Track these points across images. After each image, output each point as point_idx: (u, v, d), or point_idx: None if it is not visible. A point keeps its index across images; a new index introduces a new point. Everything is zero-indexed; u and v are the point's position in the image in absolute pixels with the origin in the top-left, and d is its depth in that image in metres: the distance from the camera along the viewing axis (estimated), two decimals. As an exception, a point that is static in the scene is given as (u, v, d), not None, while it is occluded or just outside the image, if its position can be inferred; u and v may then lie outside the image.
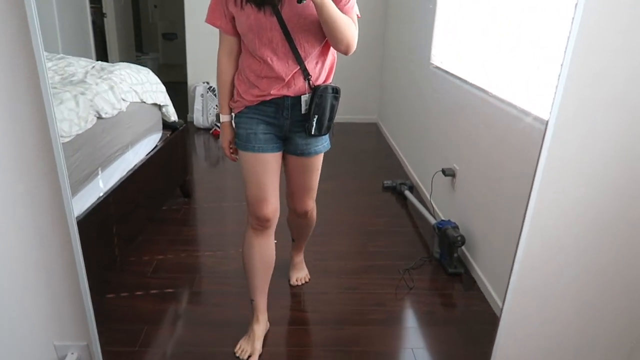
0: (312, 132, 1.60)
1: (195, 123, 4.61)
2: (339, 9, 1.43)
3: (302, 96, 1.57)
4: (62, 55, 2.57)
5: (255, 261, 1.74)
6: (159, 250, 2.45)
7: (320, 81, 1.60)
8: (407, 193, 3.07)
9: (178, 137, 2.83)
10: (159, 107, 2.63)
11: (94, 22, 4.93)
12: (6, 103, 1.26)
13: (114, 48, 5.56)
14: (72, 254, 1.39)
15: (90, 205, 1.88)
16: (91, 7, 4.86)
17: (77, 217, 1.78)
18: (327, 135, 1.68)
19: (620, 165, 1.39)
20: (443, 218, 2.67)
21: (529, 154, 1.86)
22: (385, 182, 3.28)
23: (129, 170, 2.23)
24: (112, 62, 5.45)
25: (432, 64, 3.08)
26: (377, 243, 2.62)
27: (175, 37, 7.36)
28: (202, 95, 4.55)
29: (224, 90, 1.67)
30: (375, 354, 1.83)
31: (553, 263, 1.49)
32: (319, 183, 1.83)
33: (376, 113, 4.99)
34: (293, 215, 1.94)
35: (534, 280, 1.51)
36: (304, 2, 1.36)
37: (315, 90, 1.56)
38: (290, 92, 1.56)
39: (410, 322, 2.04)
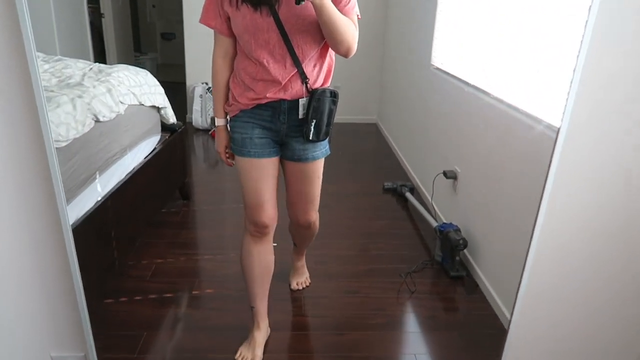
0: (310, 138, 1.55)
1: (194, 124, 4.59)
2: (338, 10, 1.39)
3: (299, 100, 1.52)
4: (59, 57, 2.54)
5: (254, 268, 1.71)
6: (158, 253, 2.43)
7: (318, 84, 1.55)
8: (408, 195, 3.04)
9: (177, 139, 2.81)
10: (158, 109, 2.60)
11: (91, 23, 4.90)
12: (-2, 106, 1.22)
13: (112, 48, 5.53)
14: (67, 263, 1.36)
15: (88, 210, 1.85)
16: (89, 7, 4.83)
17: (74, 222, 1.77)
18: (325, 141, 1.63)
19: (631, 171, 1.37)
20: (445, 221, 2.65)
21: (531, 156, 1.85)
22: (385, 183, 3.26)
23: (128, 174, 2.20)
24: (110, 63, 5.46)
25: (433, 65, 3.06)
26: (378, 246, 2.60)
27: (173, 37, 7.34)
28: (201, 96, 4.52)
29: (218, 93, 1.62)
30: (377, 360, 1.81)
31: (563, 267, 1.48)
32: (319, 184, 1.79)
33: (376, 113, 4.96)
34: (295, 226, 1.88)
35: (543, 284, 1.50)
36: (303, 3, 1.31)
37: (312, 94, 1.51)
38: (287, 96, 1.52)
39: (412, 326, 2.02)
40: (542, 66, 1.86)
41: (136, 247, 2.43)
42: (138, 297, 2.10)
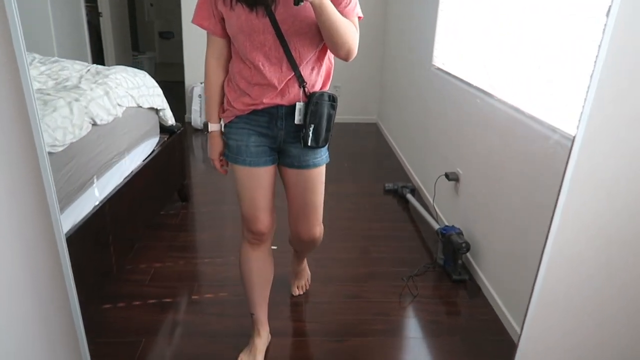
0: (309, 144, 1.47)
1: (192, 124, 4.56)
2: (339, 11, 1.33)
3: (296, 104, 1.45)
4: (56, 58, 2.51)
5: (253, 275, 1.68)
6: (157, 257, 2.40)
7: (316, 88, 1.48)
8: (409, 196, 3.02)
9: (175, 140, 2.78)
10: (156, 111, 2.57)
11: (89, 22, 4.88)
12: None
13: (110, 47, 5.50)
14: (61, 271, 1.32)
15: (86, 215, 1.82)
16: (86, 7, 4.81)
17: (71, 228, 1.74)
18: (325, 147, 1.56)
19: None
20: (446, 223, 2.62)
21: (535, 158, 1.83)
22: (386, 184, 3.24)
23: (126, 177, 2.17)
24: (108, 62, 5.43)
25: (434, 65, 3.03)
26: (379, 249, 2.58)
27: (172, 36, 7.30)
28: (199, 96, 4.49)
29: (212, 98, 1.55)
30: (379, 367, 1.79)
31: (576, 275, 1.47)
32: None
33: (376, 113, 4.94)
34: (297, 242, 1.78)
35: (556, 293, 1.49)
36: (302, 3, 1.23)
37: (310, 98, 1.44)
38: (284, 101, 1.45)
39: (414, 332, 1.99)
40: (543, 65, 1.84)
41: (134, 250, 2.41)
42: (136, 302, 2.07)
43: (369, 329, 1.96)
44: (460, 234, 2.30)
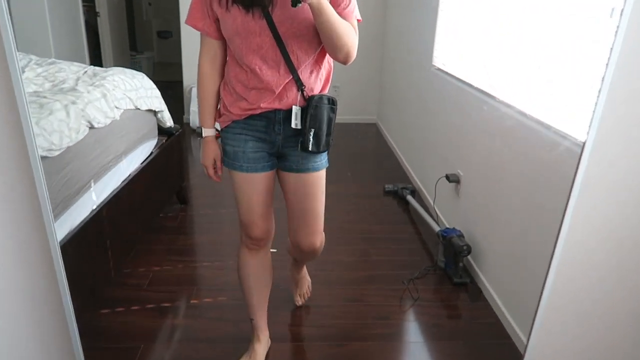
0: (310, 149, 1.42)
1: (191, 125, 4.54)
2: (338, 12, 1.29)
3: (292, 107, 1.40)
4: (52, 59, 2.48)
5: (251, 280, 1.66)
6: (155, 260, 2.38)
7: (315, 92, 1.43)
8: (409, 198, 3.00)
9: (174, 142, 2.75)
10: (154, 113, 2.55)
11: (87, 21, 4.85)
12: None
13: (107, 47, 5.47)
14: (55, 278, 1.30)
15: (83, 220, 1.80)
16: (84, 6, 4.78)
17: (69, 232, 1.72)
18: (325, 152, 1.52)
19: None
20: (447, 225, 2.61)
21: (537, 160, 1.81)
22: (386, 186, 3.22)
23: (123, 181, 2.15)
24: (106, 62, 5.40)
25: (434, 65, 3.01)
26: (379, 251, 2.56)
27: (170, 36, 7.27)
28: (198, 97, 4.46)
29: (206, 101, 1.49)
30: (380, 372, 1.78)
31: (585, 279, 1.46)
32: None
33: (375, 114, 4.92)
34: (296, 250, 1.70)
35: (565, 296, 1.48)
36: (299, 5, 1.20)
37: (309, 101, 1.40)
38: (282, 106, 1.41)
39: (415, 336, 1.97)
40: (543, 66, 1.82)
41: (133, 254, 2.39)
42: (135, 307, 2.05)
43: (369, 333, 1.95)
44: (461, 236, 2.28)
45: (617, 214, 1.38)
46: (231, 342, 1.86)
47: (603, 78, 1.16)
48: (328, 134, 1.45)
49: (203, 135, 1.52)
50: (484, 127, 2.26)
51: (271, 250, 1.70)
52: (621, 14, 1.11)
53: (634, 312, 1.51)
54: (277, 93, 1.38)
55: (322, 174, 1.53)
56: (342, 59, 1.36)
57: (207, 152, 1.52)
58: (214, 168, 1.54)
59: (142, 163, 2.37)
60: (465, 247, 2.20)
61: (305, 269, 2.05)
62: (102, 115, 1.97)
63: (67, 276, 1.65)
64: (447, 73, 2.79)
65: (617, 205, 1.37)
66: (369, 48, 4.58)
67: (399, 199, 3.13)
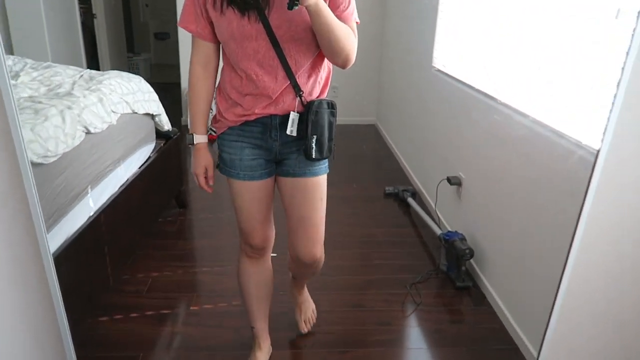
0: (313, 156, 1.37)
1: (189, 127, 4.50)
2: (336, 15, 1.24)
3: (290, 113, 1.34)
4: (48, 63, 2.45)
5: (252, 288, 1.63)
6: (154, 266, 2.35)
7: (313, 97, 1.38)
8: (410, 200, 2.97)
9: (172, 146, 2.72)
10: (152, 116, 2.51)
11: (83, 23, 4.81)
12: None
13: (104, 49, 5.44)
14: (48, 289, 1.26)
15: (80, 227, 1.77)
16: (80, 8, 4.74)
17: (66, 240, 1.69)
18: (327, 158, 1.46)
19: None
20: (449, 228, 2.58)
21: (540, 162, 1.78)
22: (387, 188, 3.19)
23: (121, 186, 2.12)
24: (103, 64, 5.36)
25: (434, 67, 2.98)
26: (380, 255, 2.53)
27: (167, 37, 7.23)
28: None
29: (197, 107, 1.42)
30: (383, 379, 1.75)
31: (600, 280, 1.44)
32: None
33: (374, 115, 4.89)
34: (296, 263, 1.62)
35: (580, 297, 1.46)
36: (296, 7, 1.14)
37: (308, 107, 1.34)
38: (277, 111, 1.35)
39: (418, 342, 1.95)
40: (544, 67, 1.80)
41: (131, 259, 2.36)
42: (134, 314, 2.02)
43: (371, 340, 1.92)
44: (463, 239, 2.26)
45: (630, 216, 1.37)
46: (232, 350, 1.83)
47: (618, 83, 1.13)
48: (330, 139, 1.40)
49: (194, 142, 1.44)
50: (486, 129, 2.24)
51: (271, 254, 1.67)
52: (638, 16, 1.08)
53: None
54: (273, 99, 1.34)
55: (321, 179, 1.47)
56: (340, 63, 1.31)
57: (199, 160, 1.45)
58: (206, 177, 1.47)
59: (139, 168, 2.34)
60: (467, 251, 2.17)
61: (307, 291, 1.93)
62: (99, 120, 1.94)
63: (64, 284, 1.62)
64: (447, 74, 2.76)
65: (630, 207, 1.36)
66: (368, 48, 4.55)
67: (399, 201, 3.11)
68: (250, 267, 1.60)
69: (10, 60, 2.47)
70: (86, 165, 1.85)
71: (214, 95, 1.47)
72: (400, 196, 3.08)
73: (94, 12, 5.29)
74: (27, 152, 1.48)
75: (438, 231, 2.48)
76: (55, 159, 1.63)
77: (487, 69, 2.27)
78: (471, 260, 2.27)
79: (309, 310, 1.93)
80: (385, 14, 4.48)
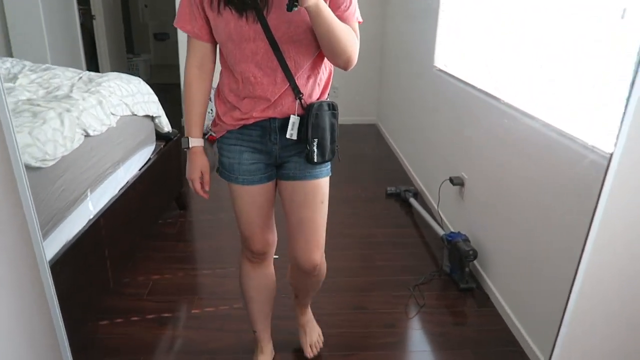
0: (315, 160, 1.34)
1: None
2: (337, 15, 1.20)
3: (290, 116, 1.31)
4: (47, 65, 2.43)
5: (253, 293, 1.61)
6: (155, 269, 2.33)
7: (313, 99, 1.34)
8: (412, 201, 2.95)
9: (172, 147, 2.70)
10: (152, 118, 2.49)
11: (82, 25, 4.79)
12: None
13: (104, 50, 5.42)
14: (45, 297, 1.24)
15: (79, 231, 1.75)
16: (79, 9, 4.72)
17: (65, 244, 1.67)
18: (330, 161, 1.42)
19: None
20: (451, 229, 2.56)
21: (543, 162, 1.76)
22: (388, 188, 3.17)
23: (121, 189, 2.10)
24: (103, 65, 5.33)
25: (435, 66, 2.96)
26: (382, 256, 2.51)
27: (167, 37, 7.22)
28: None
29: (193, 109, 1.37)
30: (387, 383, 1.73)
31: (614, 280, 1.42)
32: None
33: (375, 114, 4.87)
34: (296, 273, 1.58)
35: (594, 298, 1.43)
36: (295, 9, 1.10)
37: (308, 110, 1.30)
38: (276, 114, 1.32)
39: (422, 345, 1.93)
40: (545, 65, 1.78)
41: (131, 262, 2.34)
42: (134, 318, 2.00)
43: (375, 343, 1.90)
44: (466, 240, 2.24)
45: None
46: (233, 354, 1.81)
47: (632, 82, 1.11)
48: (332, 142, 1.36)
49: (189, 145, 1.39)
50: (488, 128, 2.22)
51: (274, 256, 1.64)
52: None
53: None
54: (272, 101, 1.30)
55: (322, 182, 1.42)
56: (342, 64, 1.27)
57: (194, 165, 1.40)
58: (202, 182, 1.42)
59: (139, 170, 2.32)
60: (471, 252, 2.15)
61: (310, 313, 1.85)
62: (98, 122, 1.92)
63: (64, 288, 1.60)
64: (449, 74, 2.74)
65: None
66: (368, 47, 4.50)
67: (401, 201, 3.09)
68: (251, 271, 1.58)
69: (8, 63, 2.45)
70: (85, 168, 1.83)
71: (211, 97, 1.44)
72: (402, 196, 3.06)
73: (93, 13, 5.28)
74: (25, 156, 1.48)
75: (441, 232, 2.46)
76: (53, 162, 1.61)
77: (490, 68, 2.25)
78: (474, 262, 2.25)
79: (314, 333, 1.84)
80: (385, 11, 4.45)
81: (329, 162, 1.43)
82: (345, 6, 1.24)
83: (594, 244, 1.34)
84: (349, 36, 1.22)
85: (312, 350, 1.80)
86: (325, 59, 1.33)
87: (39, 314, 1.31)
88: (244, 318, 1.77)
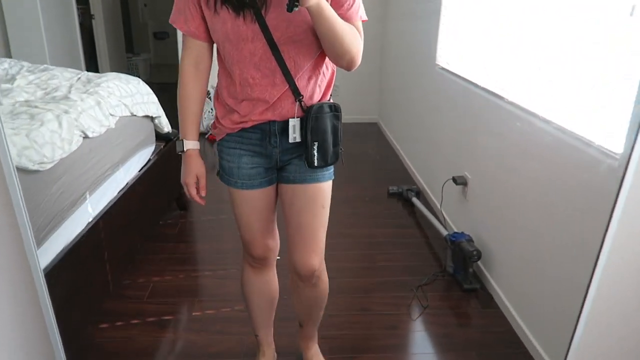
0: (316, 164, 1.29)
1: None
2: (340, 14, 1.15)
3: (289, 120, 1.26)
4: (45, 66, 2.41)
5: (255, 298, 1.58)
6: (155, 270, 2.31)
7: (314, 100, 1.28)
8: (415, 200, 2.93)
9: (172, 148, 2.68)
10: (151, 118, 2.47)
11: (81, 24, 4.77)
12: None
13: (103, 50, 5.40)
14: (39, 305, 1.21)
15: (78, 234, 1.73)
16: (78, 9, 4.70)
17: (64, 248, 1.65)
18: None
19: None
20: (454, 229, 2.54)
21: (548, 161, 1.74)
22: (390, 187, 3.14)
23: (120, 190, 2.08)
24: (102, 64, 5.31)
25: (438, 64, 2.93)
26: (385, 256, 2.49)
27: (166, 36, 7.19)
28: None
29: (188, 110, 1.31)
30: (391, 386, 1.71)
31: (632, 279, 1.39)
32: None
33: (376, 113, 4.84)
34: (296, 283, 1.50)
35: (610, 299, 1.41)
36: (296, 9, 1.06)
37: (308, 112, 1.25)
38: (275, 116, 1.27)
39: (426, 347, 1.91)
40: (546, 65, 1.76)
41: (132, 264, 2.31)
42: (135, 321, 1.98)
43: (378, 345, 1.88)
44: (470, 241, 2.21)
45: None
46: (235, 357, 1.79)
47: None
48: (335, 144, 1.31)
49: (184, 148, 1.32)
50: (492, 127, 2.19)
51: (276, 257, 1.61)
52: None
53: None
54: (271, 103, 1.25)
55: (323, 186, 1.36)
56: (345, 65, 1.22)
57: (189, 168, 1.34)
58: (197, 187, 1.36)
59: (139, 171, 2.30)
60: (475, 253, 2.13)
61: (317, 347, 1.74)
62: (97, 124, 1.90)
63: (63, 291, 1.59)
64: (451, 72, 2.71)
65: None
66: (369, 45, 4.47)
67: (403, 201, 3.06)
68: (253, 277, 1.55)
69: (6, 64, 2.43)
70: (84, 170, 1.81)
71: (211, 97, 1.41)
72: (405, 196, 3.04)
73: (92, 12, 5.25)
74: (23, 159, 1.45)
75: (444, 232, 2.44)
76: (51, 165, 1.59)
77: (494, 66, 2.22)
78: (478, 262, 2.22)
79: None
80: (387, 9, 4.42)
81: (332, 166, 1.37)
82: (349, 4, 1.19)
83: (612, 244, 1.31)
84: (352, 36, 1.18)
85: None
86: (327, 59, 1.29)
87: (33, 320, 1.29)
88: (246, 320, 1.75)
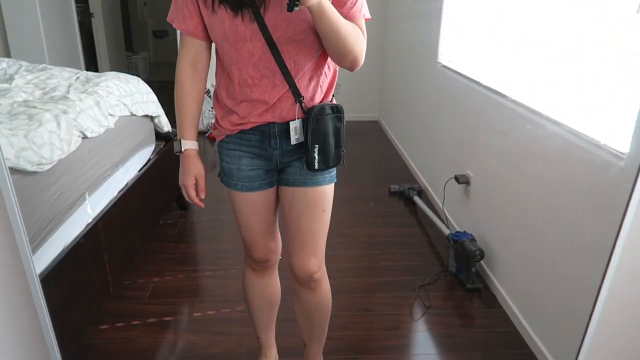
0: (316, 167, 1.25)
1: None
2: (342, 13, 1.11)
3: (290, 122, 1.24)
4: (43, 65, 2.39)
5: (256, 301, 1.56)
6: (155, 271, 2.30)
7: (315, 102, 1.25)
8: (417, 199, 2.91)
9: (172, 147, 2.65)
10: (151, 118, 2.45)
11: (80, 23, 4.75)
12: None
13: (102, 49, 5.38)
14: (35, 310, 1.19)
15: (78, 235, 1.71)
16: (77, 7, 4.68)
17: (63, 249, 1.64)
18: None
19: None
20: (457, 228, 2.52)
21: (550, 160, 1.72)
22: (392, 186, 3.13)
23: (120, 190, 2.06)
24: (101, 63, 5.29)
25: (440, 62, 2.91)
26: (386, 256, 2.47)
27: (166, 35, 7.17)
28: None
29: (186, 109, 1.28)
30: (393, 388, 1.70)
31: None
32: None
33: (377, 111, 4.82)
34: (295, 288, 1.46)
35: (622, 300, 1.38)
36: (296, 9, 1.02)
37: (308, 113, 1.22)
38: (275, 118, 1.24)
39: (429, 347, 1.89)
40: (548, 63, 1.74)
41: (132, 265, 2.30)
42: (135, 322, 1.97)
43: (381, 346, 1.87)
44: (473, 240, 2.20)
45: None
46: (236, 358, 1.78)
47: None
48: (337, 147, 1.27)
49: (182, 148, 1.29)
50: (494, 126, 2.18)
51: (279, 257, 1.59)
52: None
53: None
54: (270, 105, 1.22)
55: (325, 189, 1.33)
56: (347, 65, 1.19)
57: (188, 170, 1.30)
58: (196, 189, 1.33)
59: (139, 171, 2.29)
60: (478, 252, 2.11)
61: None
62: (96, 124, 1.88)
63: (62, 293, 1.58)
64: (453, 70, 2.70)
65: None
66: (370, 43, 4.45)
67: (405, 200, 3.05)
68: (254, 280, 1.53)
69: (4, 63, 2.41)
70: (83, 171, 1.79)
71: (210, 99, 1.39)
72: (406, 194, 3.02)
73: (91, 11, 5.23)
74: (21, 160, 1.44)
75: (446, 231, 2.42)
76: (50, 166, 1.57)
77: (496, 64, 2.20)
78: (481, 261, 2.21)
79: None
80: (388, 7, 4.40)
81: (334, 169, 1.34)
82: (352, 3, 1.15)
83: (625, 243, 1.29)
84: (355, 36, 1.14)
85: None
86: (329, 59, 1.25)
87: (29, 324, 1.27)
88: (247, 321, 1.73)
